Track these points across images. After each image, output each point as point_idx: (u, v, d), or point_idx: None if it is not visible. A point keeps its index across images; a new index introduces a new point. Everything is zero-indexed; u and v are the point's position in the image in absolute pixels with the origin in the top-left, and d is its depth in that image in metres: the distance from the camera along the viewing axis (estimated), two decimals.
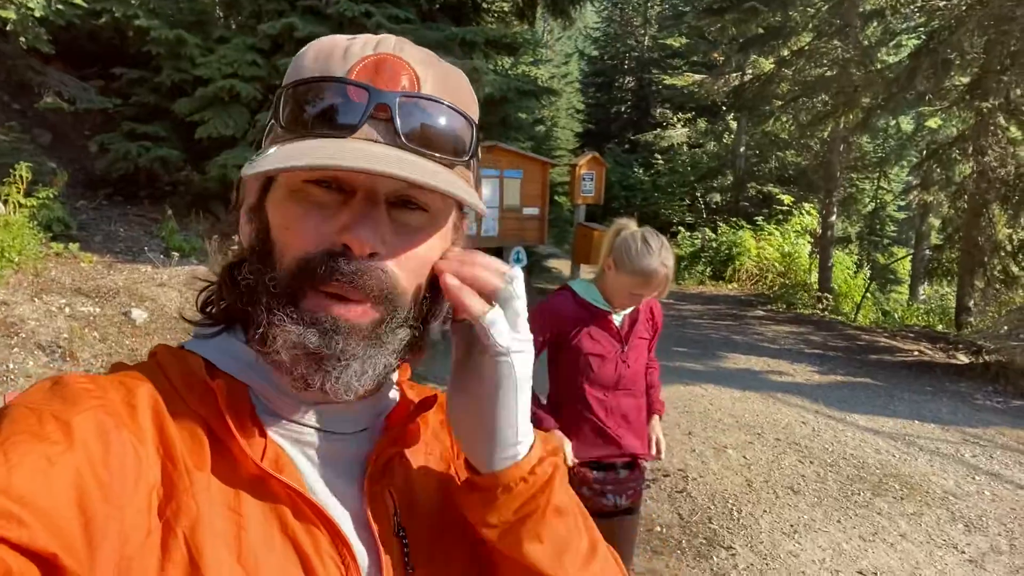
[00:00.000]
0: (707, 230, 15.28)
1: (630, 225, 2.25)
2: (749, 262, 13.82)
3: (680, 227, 16.73)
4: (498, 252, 8.43)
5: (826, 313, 11.51)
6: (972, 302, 11.10)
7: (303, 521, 0.57)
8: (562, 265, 12.96)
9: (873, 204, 17.47)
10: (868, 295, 12.78)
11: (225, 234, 6.68)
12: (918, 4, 10.59)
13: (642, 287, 2.16)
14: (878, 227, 18.07)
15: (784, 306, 11.88)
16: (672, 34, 21.51)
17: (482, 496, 0.62)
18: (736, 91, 14.10)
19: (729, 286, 13.94)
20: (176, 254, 6.81)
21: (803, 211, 14.94)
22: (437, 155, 0.59)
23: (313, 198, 0.58)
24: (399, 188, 0.57)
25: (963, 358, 8.38)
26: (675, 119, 19.58)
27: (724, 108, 17.00)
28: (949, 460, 5.05)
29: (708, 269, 14.46)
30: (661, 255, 2.13)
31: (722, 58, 16.62)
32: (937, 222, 13.41)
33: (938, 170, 12.11)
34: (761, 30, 11.56)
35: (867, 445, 5.25)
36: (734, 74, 15.58)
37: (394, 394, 0.71)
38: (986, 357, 7.88)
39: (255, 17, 8.35)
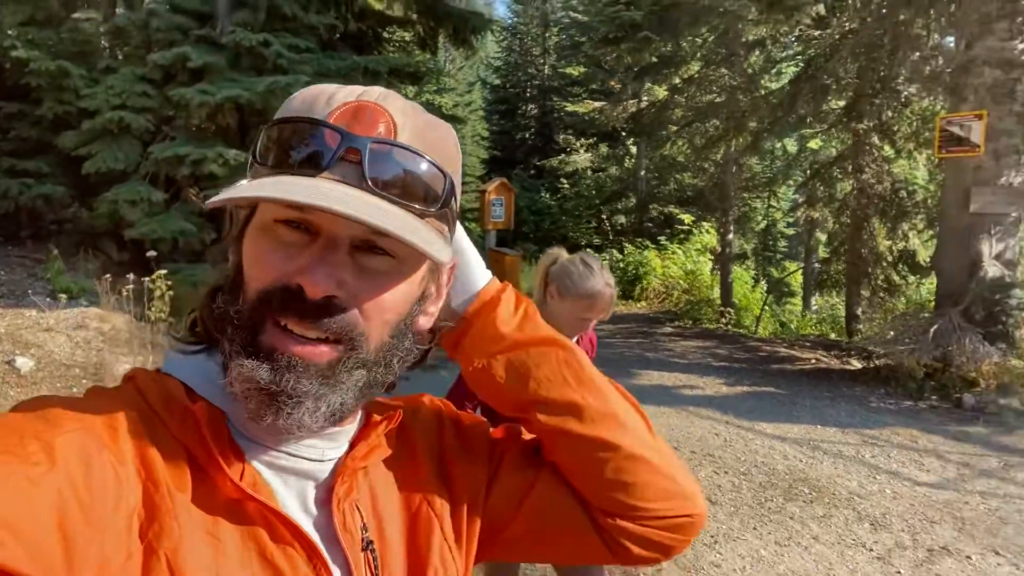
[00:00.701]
0: (614, 251, 15.69)
1: (562, 253, 2.24)
2: (655, 280, 14.27)
3: (588, 249, 17.11)
4: None
5: (729, 327, 11.99)
6: (860, 310, 11.86)
7: (280, 542, 0.58)
8: None
9: (765, 221, 18.44)
10: (766, 308, 13.42)
11: (117, 274, 6.31)
12: (796, 33, 11.34)
13: (589, 310, 2.15)
14: (771, 243, 19.08)
15: (690, 321, 12.31)
16: (571, 63, 22.16)
17: (466, 331, 0.73)
18: (634, 117, 14.64)
19: (638, 304, 14.33)
20: (64, 296, 6.38)
21: (703, 230, 15.61)
22: (405, 202, 0.59)
23: (281, 237, 0.59)
24: (363, 233, 0.58)
25: (856, 363, 8.89)
26: (578, 144, 20.09)
27: (624, 133, 17.60)
28: (851, 462, 5.31)
29: (617, 289, 14.79)
30: (604, 275, 2.14)
31: (619, 86, 17.24)
32: (824, 236, 14.26)
33: (821, 188, 12.95)
34: (655, 59, 12.08)
35: (775, 452, 5.45)
36: (631, 101, 16.16)
37: (360, 415, 0.72)
38: (876, 362, 8.38)
39: (144, 47, 8.01)
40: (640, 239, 15.91)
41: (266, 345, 0.58)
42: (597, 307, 2.15)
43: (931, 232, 10.90)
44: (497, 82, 28.18)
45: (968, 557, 3.82)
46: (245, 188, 0.57)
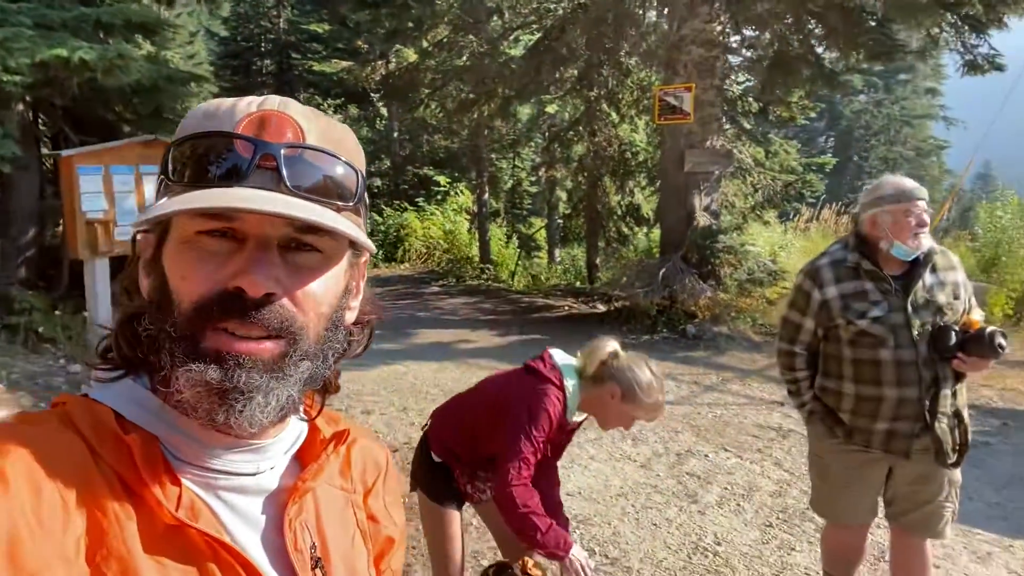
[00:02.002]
0: (374, 214, 15.70)
1: (619, 349, 2.31)
2: (417, 242, 14.61)
3: None
4: None
5: (490, 282, 12.77)
6: (598, 259, 13.31)
7: (223, 567, 0.59)
8: None
9: (511, 181, 19.60)
10: (520, 263, 14.45)
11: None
12: (533, 5, 12.15)
13: (649, 417, 2.31)
14: (518, 201, 20.33)
15: (454, 279, 12.87)
16: (312, 19, 21.23)
17: None
18: (385, 79, 14.59)
19: (402, 266, 14.59)
20: None
21: (458, 191, 16.19)
22: (323, 200, 0.62)
23: (206, 247, 0.60)
24: (289, 233, 0.61)
25: (601, 307, 10.07)
26: (325, 105, 19.48)
27: (374, 95, 17.44)
28: None
29: (380, 252, 14.92)
30: (663, 384, 2.29)
31: (366, 46, 16.99)
32: (564, 194, 15.62)
33: (560, 150, 14.16)
34: (410, 24, 12.14)
35: None
36: (380, 62, 16.06)
37: (301, 428, 0.73)
38: (615, 304, 9.59)
39: None
40: (398, 201, 16.08)
41: (211, 349, 0.59)
42: (657, 417, 2.36)
43: (652, 188, 12.54)
44: (225, 34, 26.02)
45: (706, 455, 4.73)
46: (172, 204, 0.58)
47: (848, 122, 30.07)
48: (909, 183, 2.52)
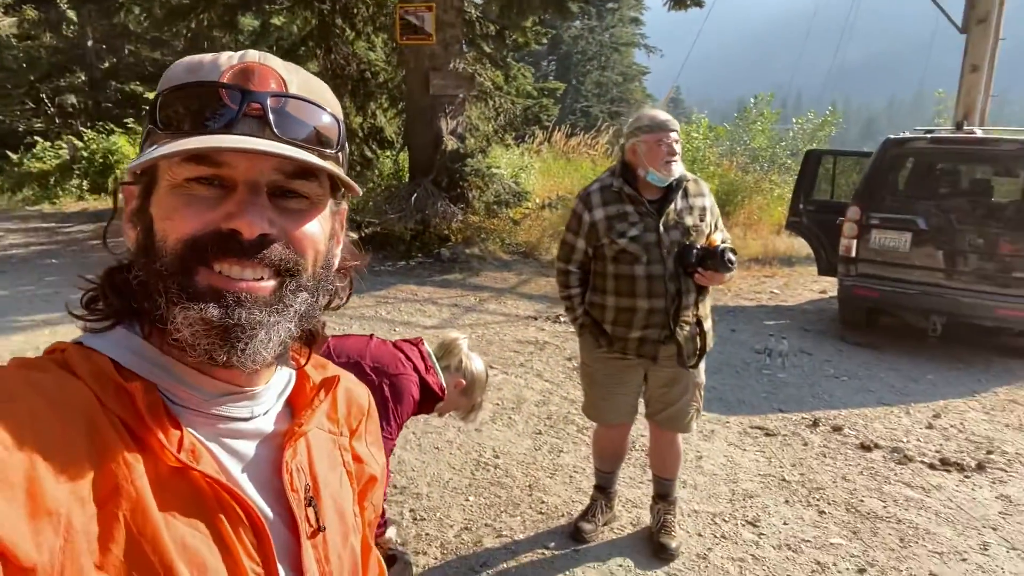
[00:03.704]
0: (72, 139, 13.36)
1: (465, 343, 2.48)
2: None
3: (35, 137, 14.14)
4: None
5: None
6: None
7: (223, 506, 0.61)
8: None
9: None
10: None
11: None
12: None
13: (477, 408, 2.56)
14: None
15: None
16: None
17: None
18: None
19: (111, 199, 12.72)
20: None
21: None
22: (309, 146, 0.64)
23: (196, 192, 0.61)
24: (279, 180, 0.62)
25: (352, 234, 9.80)
26: None
27: None
28: (373, 321, 6.13)
29: (85, 182, 12.85)
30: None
31: None
32: None
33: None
34: None
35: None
36: None
37: (290, 373, 0.76)
38: (367, 231, 9.44)
39: None
40: (102, 122, 13.85)
41: (207, 287, 0.60)
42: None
43: (395, 111, 12.33)
44: None
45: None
46: (162, 149, 0.58)
47: (567, 47, 32.03)
48: (662, 115, 2.78)
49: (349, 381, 0.85)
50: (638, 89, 34.87)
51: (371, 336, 2.31)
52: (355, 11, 11.88)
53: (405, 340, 2.37)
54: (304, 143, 0.63)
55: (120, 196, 0.68)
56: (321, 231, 0.67)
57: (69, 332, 0.68)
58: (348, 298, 0.79)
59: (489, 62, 10.37)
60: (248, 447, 0.68)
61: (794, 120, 17.65)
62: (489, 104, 10.15)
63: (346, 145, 0.71)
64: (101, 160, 12.89)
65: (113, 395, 0.60)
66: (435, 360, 2.32)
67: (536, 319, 6.49)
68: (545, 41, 13.05)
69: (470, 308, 6.87)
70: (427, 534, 3.10)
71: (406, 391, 2.15)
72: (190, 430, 0.63)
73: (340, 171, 0.66)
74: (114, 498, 0.55)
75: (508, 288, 7.68)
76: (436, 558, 2.92)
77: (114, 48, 15.72)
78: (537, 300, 7.21)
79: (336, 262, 0.73)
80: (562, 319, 6.46)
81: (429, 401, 2.27)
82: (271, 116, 0.61)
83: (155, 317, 0.62)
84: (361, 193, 0.72)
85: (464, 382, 2.38)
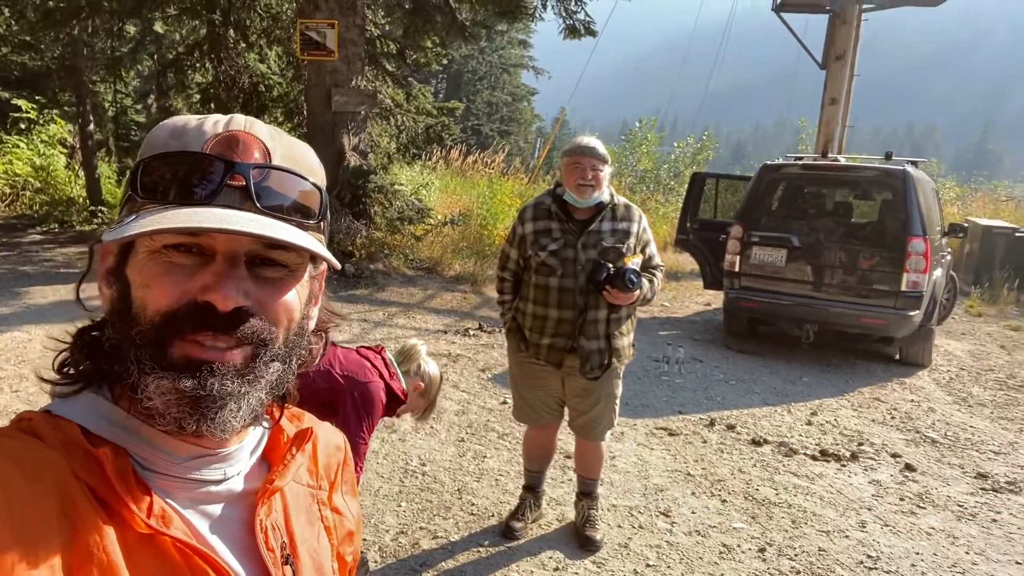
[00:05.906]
0: None
1: (423, 349, 2.63)
2: None
3: None
4: None
5: (106, 227, 11.09)
6: None
7: (194, 570, 0.61)
8: None
9: (114, 109, 17.00)
10: None
11: None
12: None
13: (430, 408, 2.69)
14: (123, 133, 17.77)
15: (57, 225, 10.90)
16: None
17: None
18: None
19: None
20: None
21: (51, 119, 13.45)
22: (289, 218, 0.64)
23: (174, 260, 0.61)
24: (257, 248, 0.63)
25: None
26: None
27: None
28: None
29: None
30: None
31: None
32: None
33: (173, 76, 12.72)
34: None
35: None
36: None
37: (263, 429, 0.76)
38: None
39: None
40: None
41: (181, 357, 0.60)
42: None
43: (290, 124, 12.12)
44: None
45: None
46: (145, 223, 0.58)
47: (458, 67, 32.45)
48: (582, 141, 3.04)
49: (325, 431, 0.85)
50: (527, 109, 35.85)
51: (332, 343, 2.41)
52: (248, 23, 11.64)
53: (367, 347, 2.49)
54: (285, 214, 0.64)
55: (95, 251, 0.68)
56: (298, 299, 0.67)
57: None
58: (323, 356, 0.78)
59: (391, 80, 10.44)
60: (221, 508, 0.68)
61: (675, 144, 18.80)
62: (391, 122, 10.21)
63: (328, 214, 0.71)
64: None
65: (81, 462, 0.59)
66: (396, 366, 2.45)
67: (446, 332, 6.64)
68: (445, 62, 13.27)
69: (379, 323, 6.92)
70: (364, 539, 3.19)
71: (376, 398, 2.27)
72: (161, 494, 0.63)
73: (320, 244, 0.67)
74: (85, 566, 0.55)
75: (415, 303, 7.78)
76: (376, 561, 3.02)
77: None
78: (445, 314, 7.37)
79: (312, 324, 0.73)
80: (471, 332, 6.64)
81: (392, 405, 2.40)
82: (252, 189, 0.62)
83: (126, 383, 0.62)
84: (340, 267, 0.72)
85: (423, 385, 2.52)
